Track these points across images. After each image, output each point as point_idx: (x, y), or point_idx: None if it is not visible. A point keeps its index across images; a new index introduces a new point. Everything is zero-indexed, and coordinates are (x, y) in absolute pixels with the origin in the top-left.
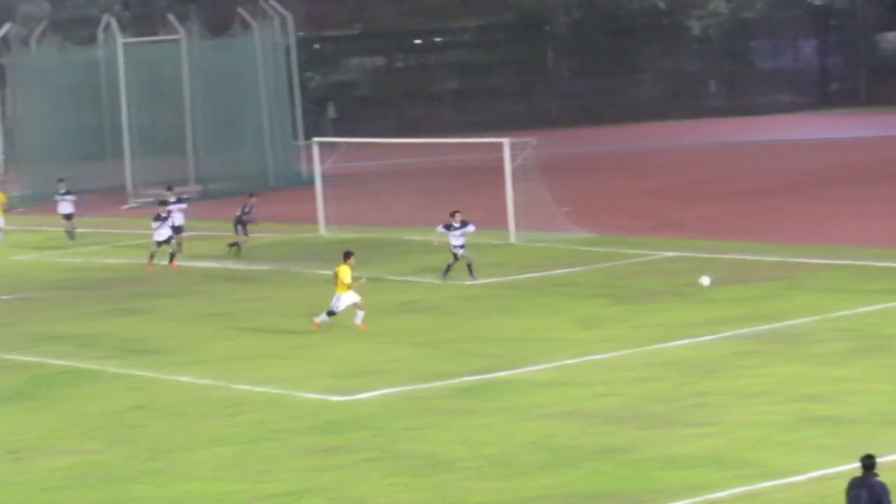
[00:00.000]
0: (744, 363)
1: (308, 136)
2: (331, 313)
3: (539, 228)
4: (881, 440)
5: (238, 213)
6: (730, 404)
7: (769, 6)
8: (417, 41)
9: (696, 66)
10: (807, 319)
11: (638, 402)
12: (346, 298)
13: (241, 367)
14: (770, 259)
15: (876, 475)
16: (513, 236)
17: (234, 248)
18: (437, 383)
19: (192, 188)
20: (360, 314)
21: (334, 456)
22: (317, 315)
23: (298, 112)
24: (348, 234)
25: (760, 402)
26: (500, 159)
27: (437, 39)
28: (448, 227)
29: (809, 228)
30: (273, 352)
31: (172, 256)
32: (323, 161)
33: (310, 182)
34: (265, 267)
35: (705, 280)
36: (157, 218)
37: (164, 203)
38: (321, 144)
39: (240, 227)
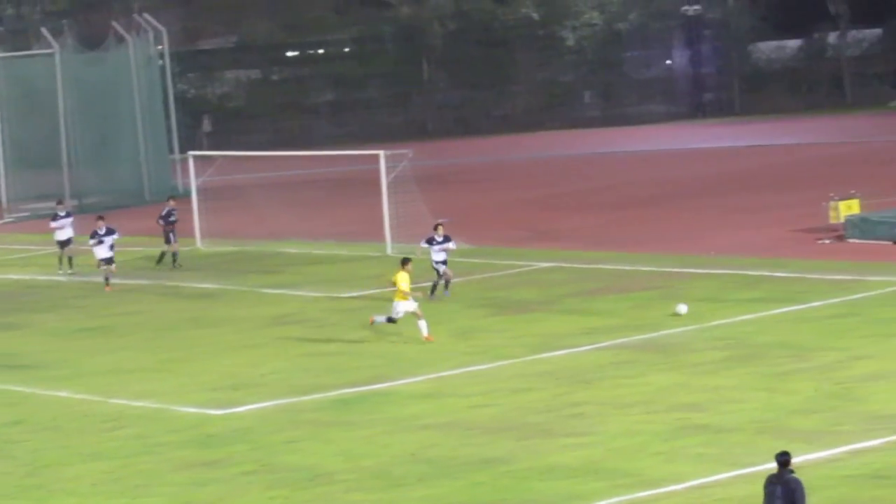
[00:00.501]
0: (621, 373)
1: (183, 150)
2: (390, 320)
3: (415, 240)
4: (758, 448)
5: (164, 220)
6: (607, 414)
7: (642, 17)
8: (292, 54)
9: (571, 77)
10: (683, 329)
11: (516, 413)
12: (403, 306)
13: (118, 381)
14: (646, 269)
15: (791, 472)
16: (389, 248)
17: (169, 257)
18: (315, 396)
19: (68, 203)
20: (423, 325)
21: (213, 469)
22: (377, 315)
23: (174, 125)
24: (225, 248)
25: (638, 411)
26: (377, 171)
27: (312, 52)
28: (430, 242)
29: (685, 238)
30: (150, 366)
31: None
32: (199, 174)
33: (186, 195)
34: (142, 281)
35: (682, 308)
36: (94, 236)
37: (55, 217)
38: (197, 158)
39: (172, 235)
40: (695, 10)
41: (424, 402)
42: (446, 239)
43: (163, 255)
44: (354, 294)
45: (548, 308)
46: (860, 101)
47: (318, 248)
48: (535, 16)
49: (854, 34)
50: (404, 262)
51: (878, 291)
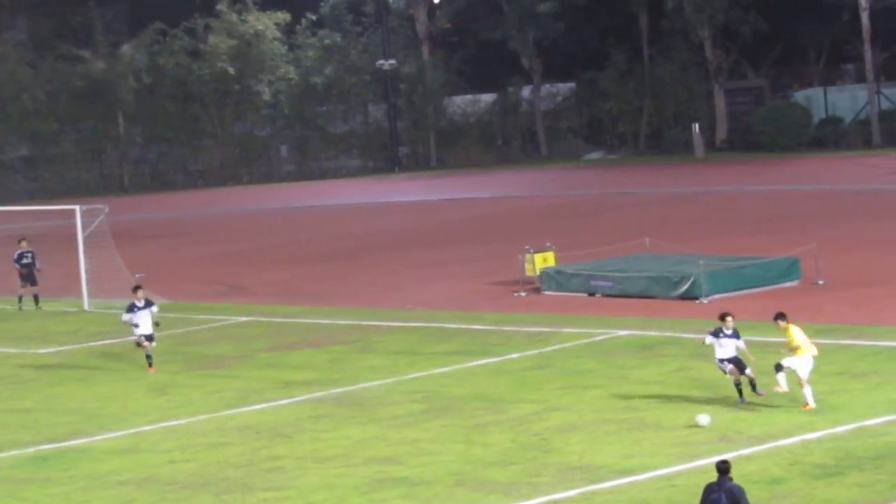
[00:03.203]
0: (319, 426)
1: None
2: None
3: (113, 295)
4: (456, 500)
5: (23, 264)
6: (306, 468)
7: (338, 71)
8: None
9: (267, 131)
10: (380, 382)
11: (214, 468)
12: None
13: None
14: (343, 322)
15: (731, 479)
16: (86, 303)
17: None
18: (12, 452)
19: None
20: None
21: None
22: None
23: None
24: None
25: (336, 464)
26: (73, 226)
27: (6, 107)
28: (717, 334)
29: (381, 291)
30: None
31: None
32: None
33: None
34: None
35: (703, 419)
36: (131, 309)
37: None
38: None
39: (34, 276)
40: (390, 64)
41: (122, 457)
42: (736, 334)
43: (20, 298)
44: (50, 350)
45: (244, 362)
46: (554, 154)
47: (12, 304)
48: (231, 70)
49: (548, 88)
50: (779, 316)
51: (573, 343)
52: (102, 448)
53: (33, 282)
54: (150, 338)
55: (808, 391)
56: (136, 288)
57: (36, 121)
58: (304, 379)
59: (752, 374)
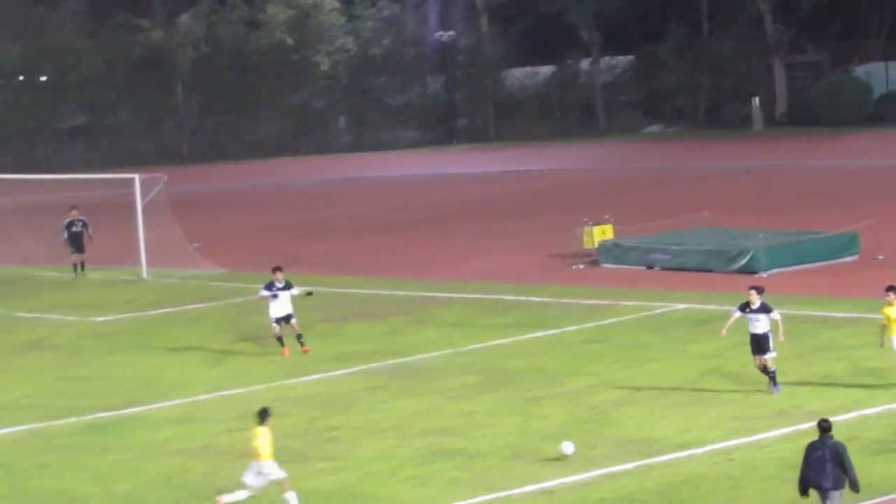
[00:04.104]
0: (375, 398)
1: None
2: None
3: (170, 265)
4: (510, 473)
5: (71, 232)
6: (362, 438)
7: (396, 43)
8: (44, 78)
9: (324, 102)
10: (436, 353)
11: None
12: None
13: None
14: (399, 294)
15: (832, 437)
16: (144, 272)
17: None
18: (69, 420)
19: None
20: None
21: None
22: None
23: None
24: None
25: (392, 435)
26: (131, 196)
27: (64, 76)
28: (744, 308)
29: (438, 263)
30: None
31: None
32: None
33: None
34: None
35: (568, 448)
36: (270, 287)
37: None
38: None
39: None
40: (448, 35)
41: (179, 426)
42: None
43: (75, 266)
44: (108, 318)
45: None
46: (613, 127)
47: (72, 273)
48: (289, 41)
49: (607, 61)
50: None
51: (630, 316)
52: (159, 416)
53: (80, 249)
54: (287, 318)
55: None
56: (276, 269)
57: (94, 90)
58: (360, 350)
59: (770, 363)
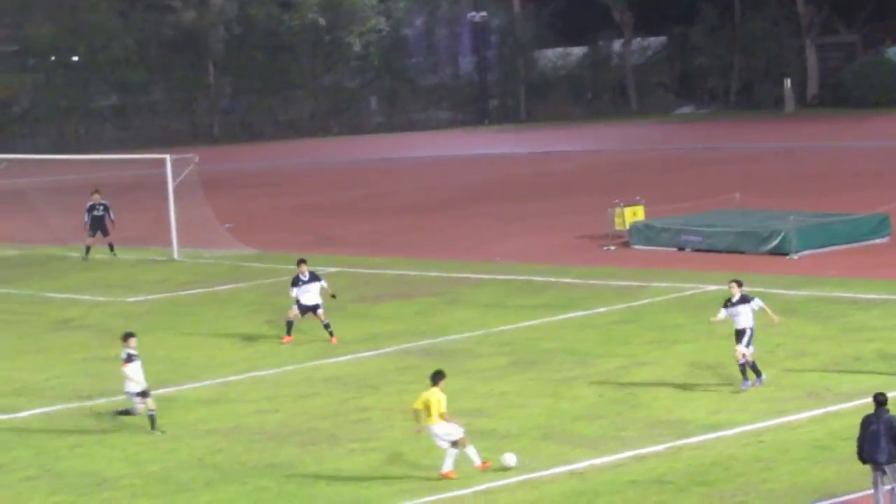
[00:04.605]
0: (406, 378)
1: None
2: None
3: (202, 245)
4: (542, 453)
5: (93, 216)
6: (393, 419)
7: (428, 23)
8: (76, 58)
9: (357, 83)
10: (468, 334)
11: (301, 418)
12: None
13: None
14: (430, 275)
15: (888, 411)
16: (176, 252)
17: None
18: (100, 401)
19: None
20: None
21: None
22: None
23: None
24: (8, 252)
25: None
26: (162, 175)
27: (96, 57)
28: (727, 304)
29: (470, 244)
30: None
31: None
32: None
33: None
34: None
35: (510, 459)
36: (296, 283)
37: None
38: None
39: (106, 227)
40: (480, 16)
41: (210, 406)
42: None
43: (87, 249)
44: (139, 299)
45: (332, 313)
46: (645, 108)
47: (102, 253)
48: (321, 21)
49: (639, 42)
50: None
51: (661, 298)
52: (190, 397)
53: (105, 231)
54: (314, 308)
55: None
56: (300, 262)
57: (126, 70)
58: (391, 330)
59: (747, 354)
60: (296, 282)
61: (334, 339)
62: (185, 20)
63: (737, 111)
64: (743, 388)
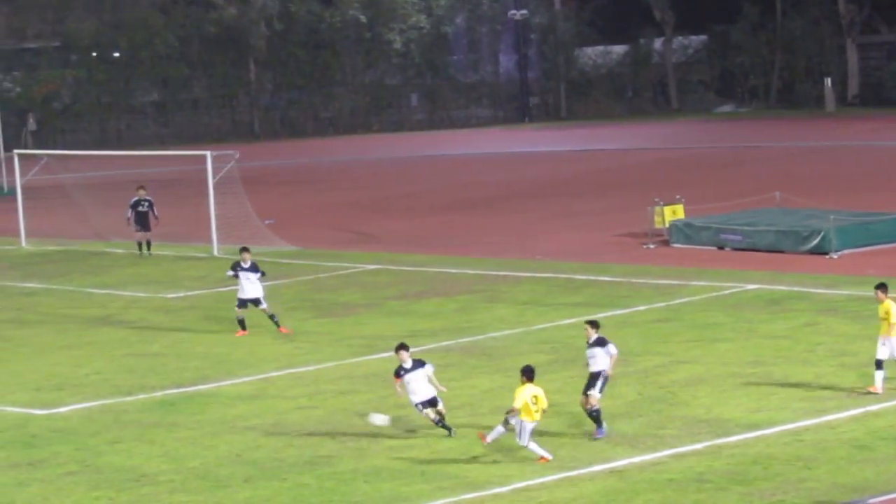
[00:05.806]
0: (446, 375)
1: (8, 148)
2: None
3: (242, 241)
4: (580, 452)
5: (138, 212)
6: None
7: (469, 21)
8: (117, 54)
9: (398, 80)
10: (508, 332)
11: (341, 415)
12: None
13: None
14: (471, 272)
15: None
16: (216, 249)
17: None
18: (140, 396)
19: None
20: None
21: (37, 470)
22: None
23: None
24: (49, 247)
25: (463, 413)
26: (203, 172)
27: (138, 53)
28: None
29: (510, 241)
30: None
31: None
32: (24, 173)
33: (10, 194)
34: None
35: (378, 419)
36: (234, 268)
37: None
38: (22, 156)
39: (148, 223)
40: (521, 14)
41: (250, 403)
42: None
43: (140, 244)
44: (179, 294)
45: (372, 310)
46: (685, 107)
47: (136, 251)
48: (363, 18)
49: (680, 41)
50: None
51: (701, 296)
52: (230, 393)
53: (146, 227)
54: (255, 301)
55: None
56: (244, 249)
57: (167, 66)
58: (431, 328)
59: (590, 401)
60: (235, 266)
61: (283, 329)
62: (227, 17)
63: (777, 110)
64: (598, 436)
